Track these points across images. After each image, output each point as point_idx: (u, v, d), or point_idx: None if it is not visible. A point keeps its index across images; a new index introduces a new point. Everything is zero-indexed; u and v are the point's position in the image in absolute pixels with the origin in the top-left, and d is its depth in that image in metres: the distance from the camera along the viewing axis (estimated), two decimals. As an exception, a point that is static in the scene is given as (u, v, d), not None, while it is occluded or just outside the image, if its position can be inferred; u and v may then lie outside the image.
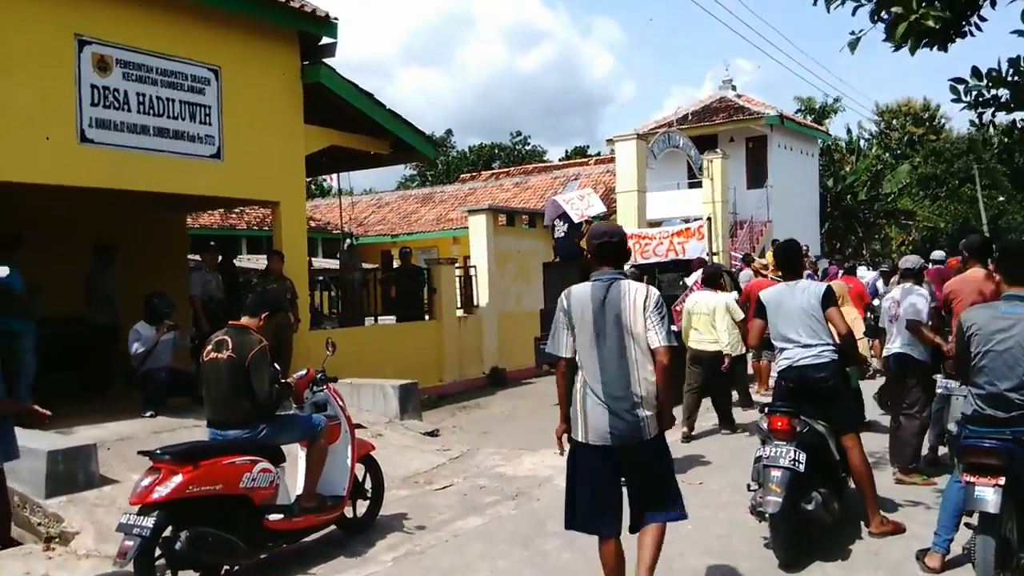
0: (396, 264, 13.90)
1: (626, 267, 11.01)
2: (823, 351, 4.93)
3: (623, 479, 3.73)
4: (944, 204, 39.88)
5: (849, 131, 35.87)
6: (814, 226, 26.55)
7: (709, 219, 12.76)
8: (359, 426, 5.74)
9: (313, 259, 21.02)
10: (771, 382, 8.47)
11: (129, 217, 10.64)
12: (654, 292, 3.74)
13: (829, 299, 5.00)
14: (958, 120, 45.61)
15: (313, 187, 42.47)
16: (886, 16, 4.45)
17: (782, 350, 5.10)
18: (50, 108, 7.51)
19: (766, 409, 4.89)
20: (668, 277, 12.27)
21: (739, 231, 22.35)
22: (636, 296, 3.66)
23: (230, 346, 4.73)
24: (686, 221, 13.40)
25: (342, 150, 11.44)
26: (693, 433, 8.17)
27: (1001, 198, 40.17)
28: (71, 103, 7.67)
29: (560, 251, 10.96)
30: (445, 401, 11.68)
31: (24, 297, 7.50)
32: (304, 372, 5.30)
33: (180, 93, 8.68)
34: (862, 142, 37.54)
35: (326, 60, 10.07)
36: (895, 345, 6.26)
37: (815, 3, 4.93)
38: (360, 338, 11.09)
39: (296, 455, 5.16)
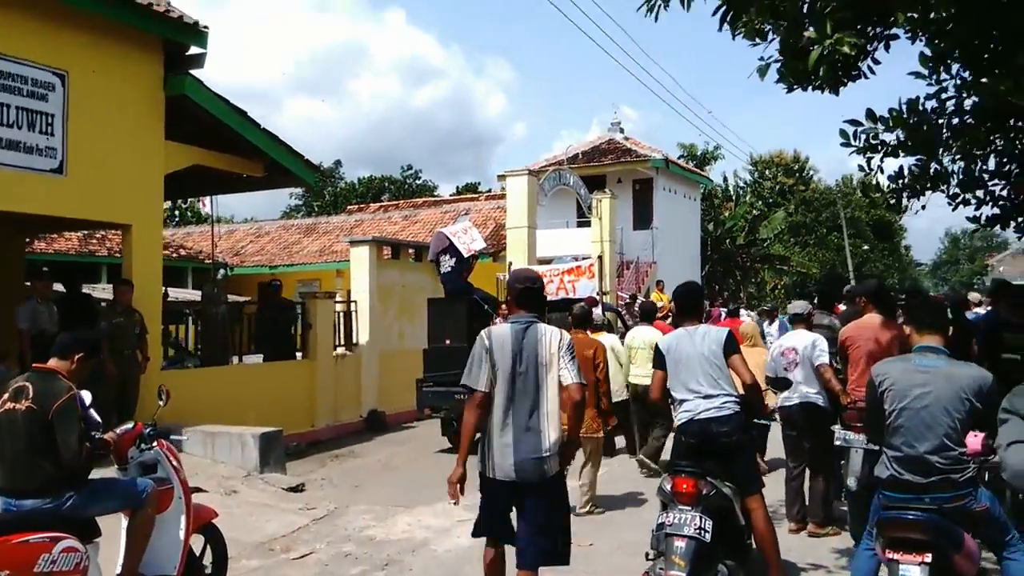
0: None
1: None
2: (726, 402, 4.52)
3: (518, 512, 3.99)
4: (813, 251, 42.03)
5: (725, 179, 37.23)
6: (696, 268, 27.11)
7: (600, 258, 12.49)
8: (197, 490, 4.88)
9: (181, 290, 19.56)
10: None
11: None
12: (567, 336, 4.01)
13: (732, 345, 4.62)
14: (826, 172, 48.53)
15: (188, 213, 40.28)
16: (798, 44, 4.15)
17: (681, 402, 4.66)
18: None
19: (669, 469, 4.42)
20: (556, 316, 11.92)
21: (625, 271, 22.44)
22: (551, 339, 3.93)
23: (30, 394, 3.83)
24: (575, 259, 13.13)
25: (212, 171, 10.49)
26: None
27: (865, 247, 42.71)
28: None
29: (447, 286, 10.38)
30: (316, 449, 10.73)
31: None
32: (130, 425, 4.43)
33: (16, 98, 7.60)
34: (738, 190, 39.07)
35: (194, 72, 9.18)
36: (797, 394, 5.97)
37: (720, 29, 4.63)
38: (222, 379, 10.05)
39: (116, 528, 4.26)
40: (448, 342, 10.11)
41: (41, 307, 8.05)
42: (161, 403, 4.61)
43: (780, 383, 5.62)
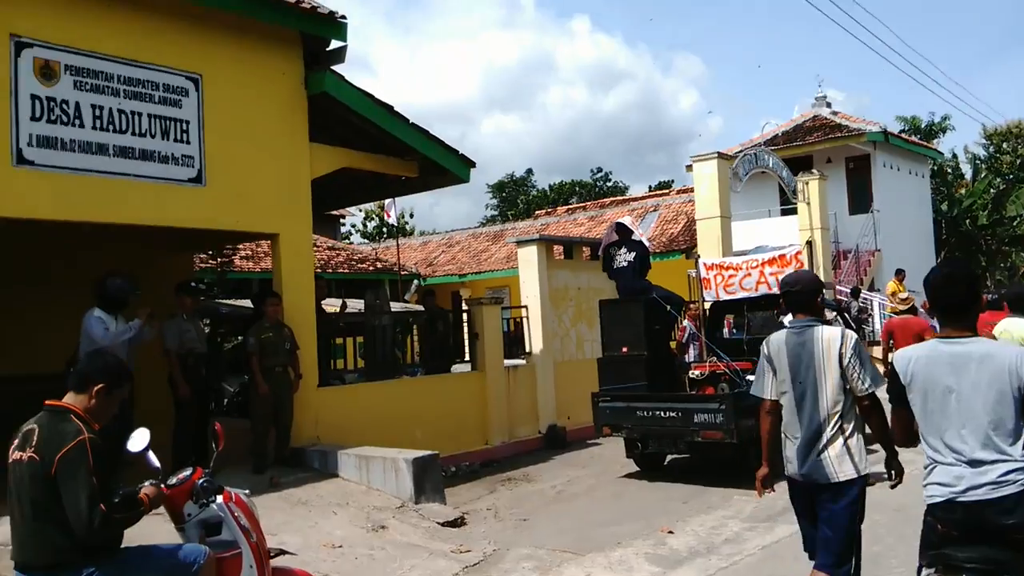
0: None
1: (706, 303, 8.86)
2: (1009, 474, 2.77)
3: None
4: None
5: (955, 155, 32.33)
6: (929, 254, 23.48)
7: (809, 243, 10.46)
8: (281, 552, 3.87)
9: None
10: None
11: (134, 258, 9.23)
12: (851, 336, 3.73)
13: None
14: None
15: (395, 227, 41.59)
16: None
17: (932, 465, 2.95)
18: (-25, 123, 6.13)
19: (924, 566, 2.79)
20: (758, 316, 10.09)
21: (843, 261, 19.69)
22: (831, 342, 3.68)
23: (34, 440, 2.97)
24: (777, 248, 11.18)
25: (365, 175, 9.86)
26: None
27: None
28: (4, 118, 6.28)
29: (621, 285, 8.99)
30: (490, 469, 9.73)
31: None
32: (186, 473, 3.48)
33: (149, 105, 7.21)
34: (976, 162, 33.88)
35: (335, 68, 8.51)
36: None
37: None
38: (385, 394, 9.31)
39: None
40: (625, 350, 8.71)
41: (187, 324, 7.64)
42: (215, 447, 3.64)
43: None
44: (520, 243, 11.58)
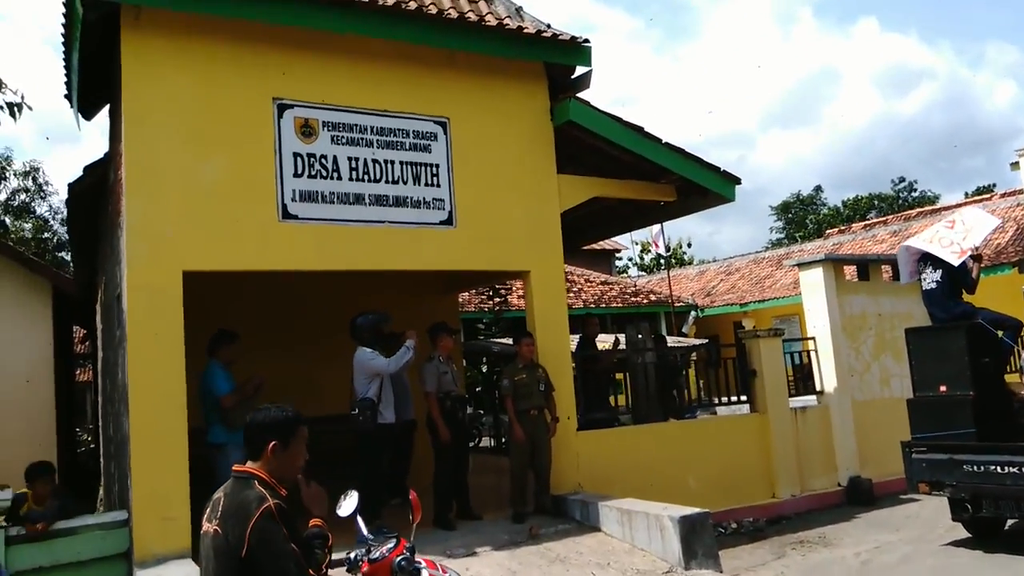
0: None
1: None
2: None
3: None
4: None
5: None
6: None
7: None
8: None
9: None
10: None
11: (396, 299, 9.57)
12: None
13: None
14: None
15: (672, 259, 40.58)
16: None
17: None
18: (247, 184, 6.55)
19: None
20: None
21: None
22: None
23: (219, 511, 2.71)
24: None
25: (623, 203, 9.29)
26: None
27: None
28: (270, 176, 6.66)
29: (934, 310, 7.38)
30: (778, 528, 8.48)
31: (231, 399, 6.54)
32: (392, 543, 3.06)
33: (401, 153, 7.32)
34: None
35: (580, 95, 8.09)
36: None
37: None
38: (652, 438, 8.55)
39: None
40: (944, 389, 7.07)
41: (444, 367, 7.54)
42: (412, 518, 3.18)
43: None
44: (802, 265, 10.18)
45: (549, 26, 7.87)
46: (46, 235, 24.08)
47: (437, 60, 7.46)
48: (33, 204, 24.95)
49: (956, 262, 6.80)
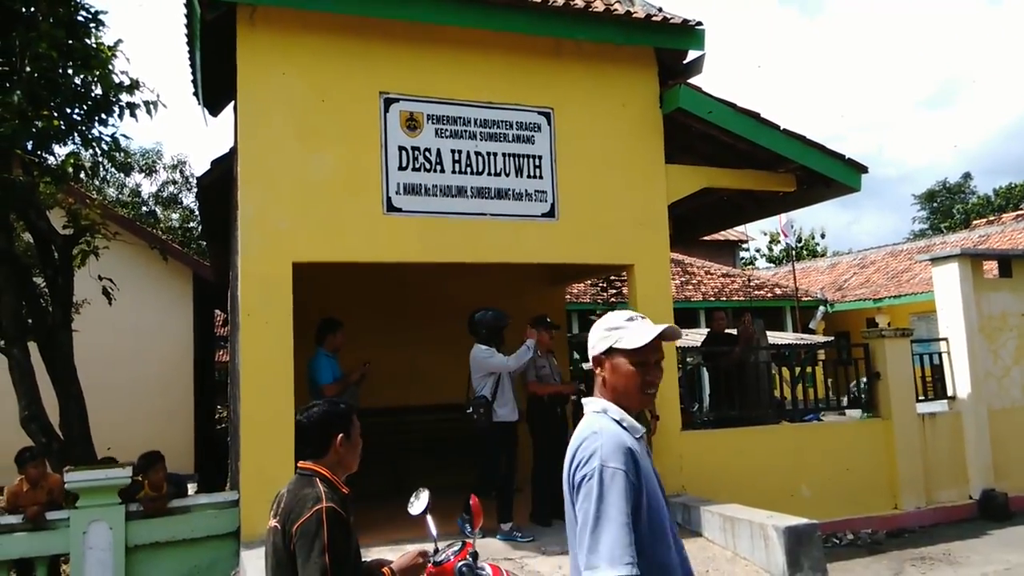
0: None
1: None
2: None
3: None
4: None
5: None
6: None
7: None
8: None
9: (775, 333, 18.10)
10: None
11: (503, 291, 9.61)
12: None
13: None
14: None
15: (804, 251, 38.72)
16: None
17: None
18: (354, 177, 6.72)
19: None
20: None
21: None
22: None
23: (280, 506, 2.77)
24: None
25: (739, 194, 8.93)
26: None
27: None
28: (376, 169, 6.80)
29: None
30: (899, 542, 7.95)
31: (334, 389, 6.74)
32: (457, 546, 3.05)
33: (503, 144, 7.30)
34: None
35: (690, 80, 7.80)
36: None
37: None
38: (761, 442, 8.19)
39: None
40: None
41: (542, 360, 7.48)
42: (470, 527, 3.14)
43: None
44: (935, 260, 9.42)
45: (660, 9, 7.62)
46: (191, 224, 25.78)
47: (542, 49, 7.38)
48: (180, 195, 26.79)
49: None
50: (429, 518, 3.12)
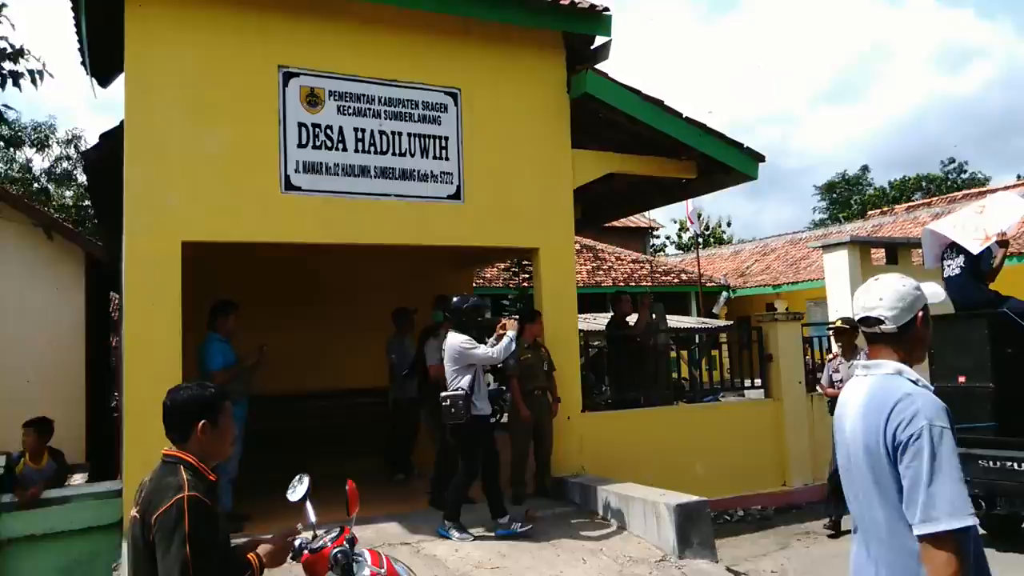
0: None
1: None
2: None
3: None
4: None
5: None
6: None
7: None
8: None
9: (682, 318, 18.55)
10: None
11: (408, 273, 9.52)
12: None
13: None
14: None
15: (712, 239, 39.82)
16: None
17: None
18: (250, 154, 6.49)
19: None
20: None
21: None
22: None
23: (141, 495, 2.63)
24: None
25: (644, 180, 9.07)
26: None
27: None
28: (273, 146, 6.58)
29: (955, 297, 7.07)
30: (786, 518, 8.29)
31: (224, 375, 6.48)
32: (335, 532, 2.98)
33: (409, 124, 7.19)
34: None
35: (596, 66, 7.85)
36: None
37: None
38: (659, 422, 8.40)
39: None
40: (963, 380, 6.80)
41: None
42: (347, 511, 3.09)
43: None
44: (827, 248, 9.83)
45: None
46: (86, 203, 24.49)
47: (450, 28, 7.29)
48: (75, 172, 25.40)
49: (976, 250, 6.49)
50: (308, 504, 3.03)
